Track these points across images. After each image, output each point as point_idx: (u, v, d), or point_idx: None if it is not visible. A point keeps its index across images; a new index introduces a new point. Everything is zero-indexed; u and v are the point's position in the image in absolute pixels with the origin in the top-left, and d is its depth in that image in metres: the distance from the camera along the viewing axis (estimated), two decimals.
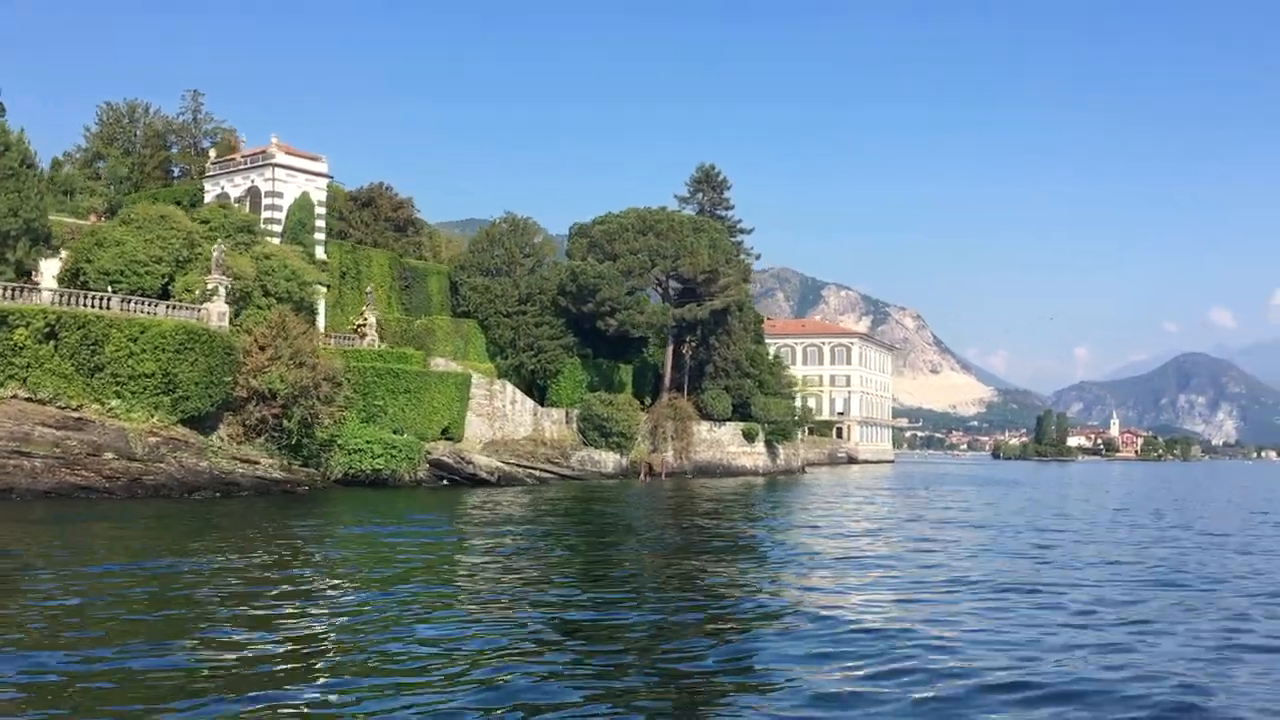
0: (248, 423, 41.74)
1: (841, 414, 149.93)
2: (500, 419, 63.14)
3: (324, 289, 57.68)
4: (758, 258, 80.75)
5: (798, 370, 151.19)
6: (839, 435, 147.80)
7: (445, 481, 48.76)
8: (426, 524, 31.98)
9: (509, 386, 63.52)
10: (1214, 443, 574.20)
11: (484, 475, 49.99)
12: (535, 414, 65.26)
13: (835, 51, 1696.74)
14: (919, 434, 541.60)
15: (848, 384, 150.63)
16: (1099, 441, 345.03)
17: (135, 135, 74.18)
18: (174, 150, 75.45)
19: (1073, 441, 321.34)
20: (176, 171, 76.51)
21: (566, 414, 66.49)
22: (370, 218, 78.28)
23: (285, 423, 41.92)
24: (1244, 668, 14.43)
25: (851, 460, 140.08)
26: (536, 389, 68.89)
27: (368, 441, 45.63)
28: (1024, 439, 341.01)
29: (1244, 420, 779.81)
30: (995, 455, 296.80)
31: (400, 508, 37.24)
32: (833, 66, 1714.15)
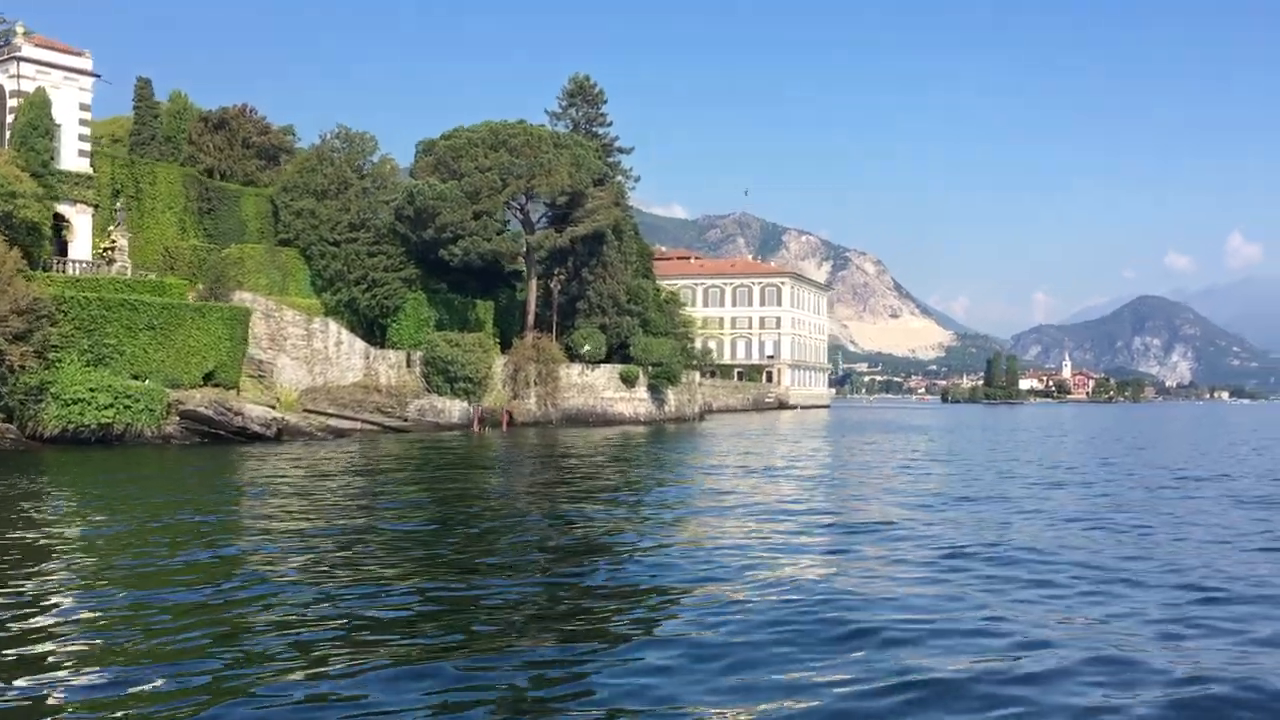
0: None
1: (771, 357, 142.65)
2: (322, 363, 54.74)
3: (89, 208, 48.64)
4: (637, 180, 72.14)
5: (726, 312, 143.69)
6: (769, 379, 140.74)
7: (204, 438, 40.22)
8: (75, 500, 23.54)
9: (332, 325, 54.97)
10: (1168, 384, 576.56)
11: (257, 428, 41.44)
12: (368, 357, 56.85)
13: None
14: (878, 378, 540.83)
15: (778, 326, 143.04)
16: (1051, 384, 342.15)
17: None
18: None
19: (1025, 384, 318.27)
20: None
21: (408, 356, 58.09)
22: (224, 142, 68.79)
23: None
24: None
25: (782, 406, 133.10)
26: (378, 329, 60.38)
27: (91, 389, 36.90)
28: (977, 382, 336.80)
29: (1198, 362, 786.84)
30: (945, 399, 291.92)
31: (102, 473, 28.86)
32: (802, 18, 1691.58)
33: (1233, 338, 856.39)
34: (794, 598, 12.89)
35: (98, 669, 9.63)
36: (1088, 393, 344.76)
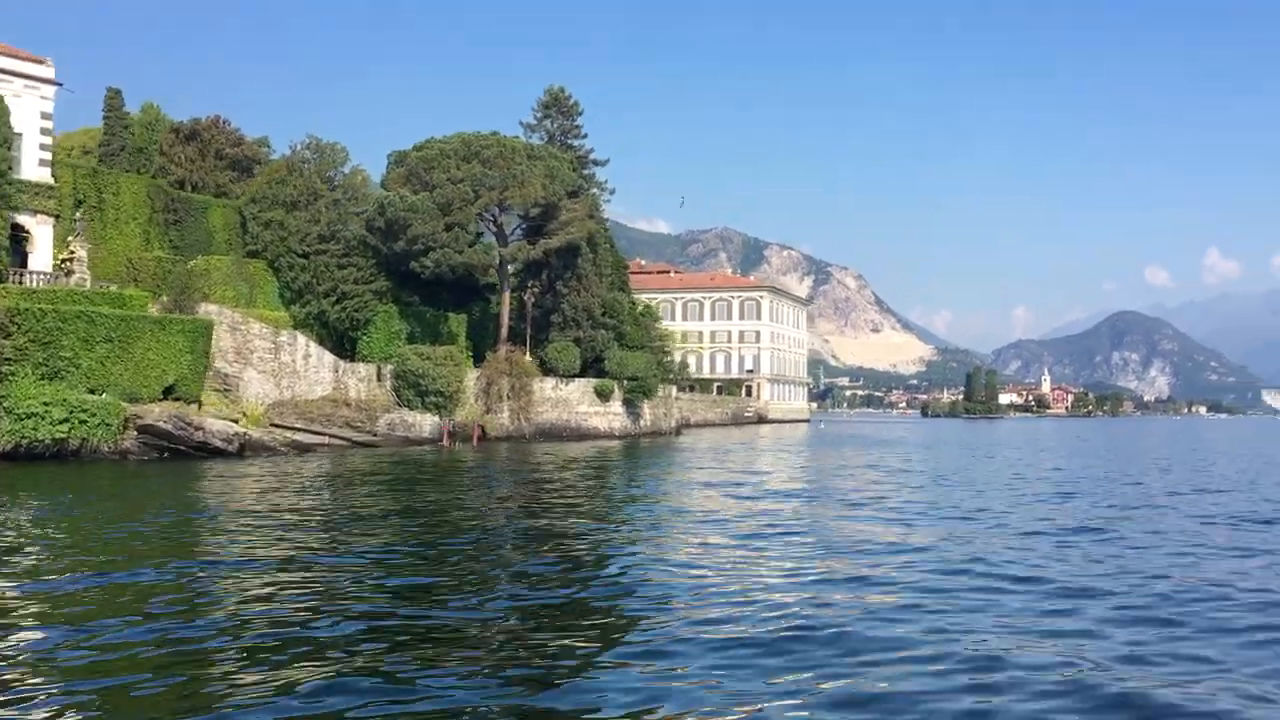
0: None
1: (751, 371, 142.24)
2: (290, 376, 53.73)
3: (50, 219, 47.70)
4: (612, 192, 71.51)
5: (705, 326, 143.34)
6: (748, 394, 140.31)
7: (163, 454, 39.19)
8: None
9: (300, 338, 54.00)
10: (1146, 399, 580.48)
11: (218, 444, 40.44)
12: (337, 370, 55.86)
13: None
14: (859, 393, 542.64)
15: (757, 340, 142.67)
16: (1030, 398, 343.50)
17: None
18: None
19: (1004, 399, 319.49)
20: None
21: (378, 370, 57.13)
22: (196, 154, 68.02)
23: None
24: None
25: (761, 420, 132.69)
26: (349, 342, 59.49)
27: (45, 404, 35.88)
28: (957, 397, 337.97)
29: (1176, 377, 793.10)
30: (925, 413, 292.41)
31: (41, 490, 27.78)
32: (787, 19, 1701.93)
33: (1210, 353, 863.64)
34: (751, 629, 12.19)
35: None
36: (1066, 407, 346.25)
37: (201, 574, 15.14)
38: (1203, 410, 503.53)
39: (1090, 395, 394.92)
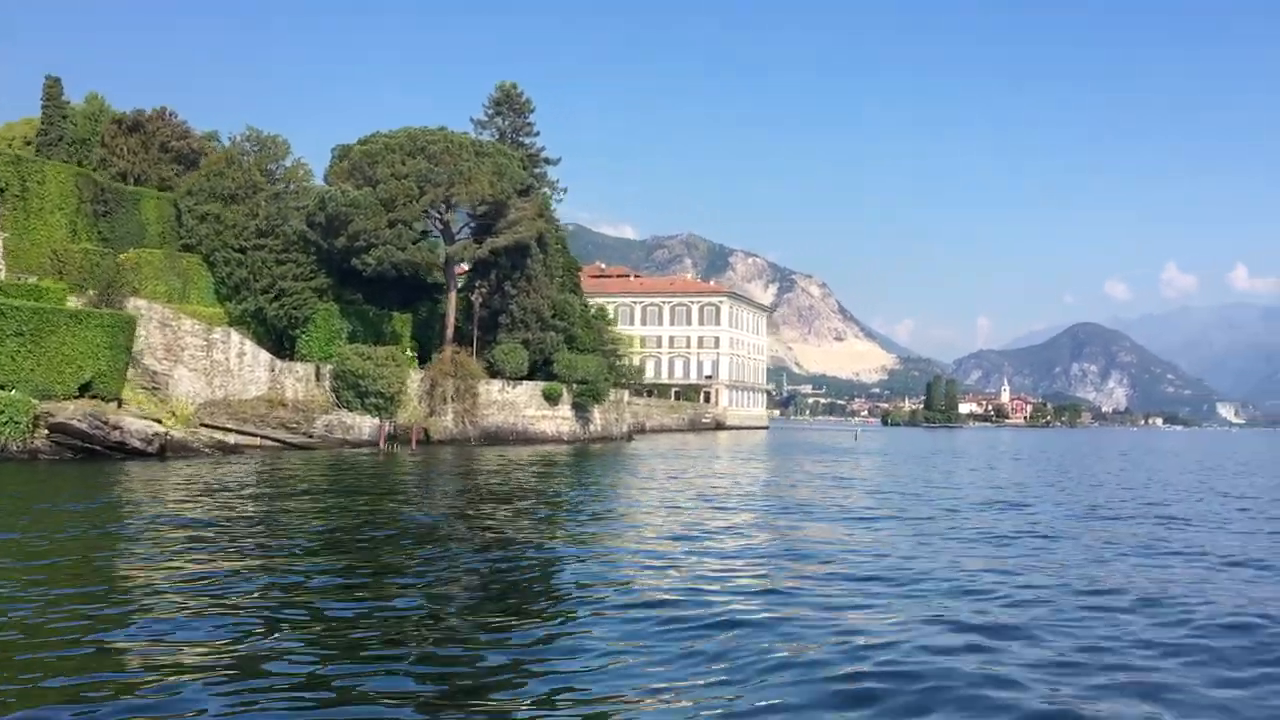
0: None
1: (710, 377, 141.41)
2: (223, 375, 51.99)
3: None
4: (564, 192, 70.21)
5: (664, 331, 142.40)
6: (707, 399, 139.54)
7: (78, 454, 37.32)
8: None
9: (234, 335, 52.25)
10: (1104, 410, 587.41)
11: (137, 444, 38.59)
12: (273, 369, 54.14)
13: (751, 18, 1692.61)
14: (821, 400, 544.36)
15: (716, 345, 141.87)
16: (989, 408, 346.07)
17: None
18: None
19: (964, 408, 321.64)
20: None
21: (317, 370, 55.42)
22: (139, 146, 66.15)
23: None
24: None
25: (719, 426, 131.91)
26: (288, 341, 57.78)
27: None
28: (918, 406, 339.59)
29: (1133, 389, 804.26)
30: (885, 422, 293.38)
31: None
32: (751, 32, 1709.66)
33: (1167, 365, 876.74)
34: (677, 646, 10.97)
35: None
36: (1025, 417, 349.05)
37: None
38: (1159, 422, 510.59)
39: (1049, 406, 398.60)
